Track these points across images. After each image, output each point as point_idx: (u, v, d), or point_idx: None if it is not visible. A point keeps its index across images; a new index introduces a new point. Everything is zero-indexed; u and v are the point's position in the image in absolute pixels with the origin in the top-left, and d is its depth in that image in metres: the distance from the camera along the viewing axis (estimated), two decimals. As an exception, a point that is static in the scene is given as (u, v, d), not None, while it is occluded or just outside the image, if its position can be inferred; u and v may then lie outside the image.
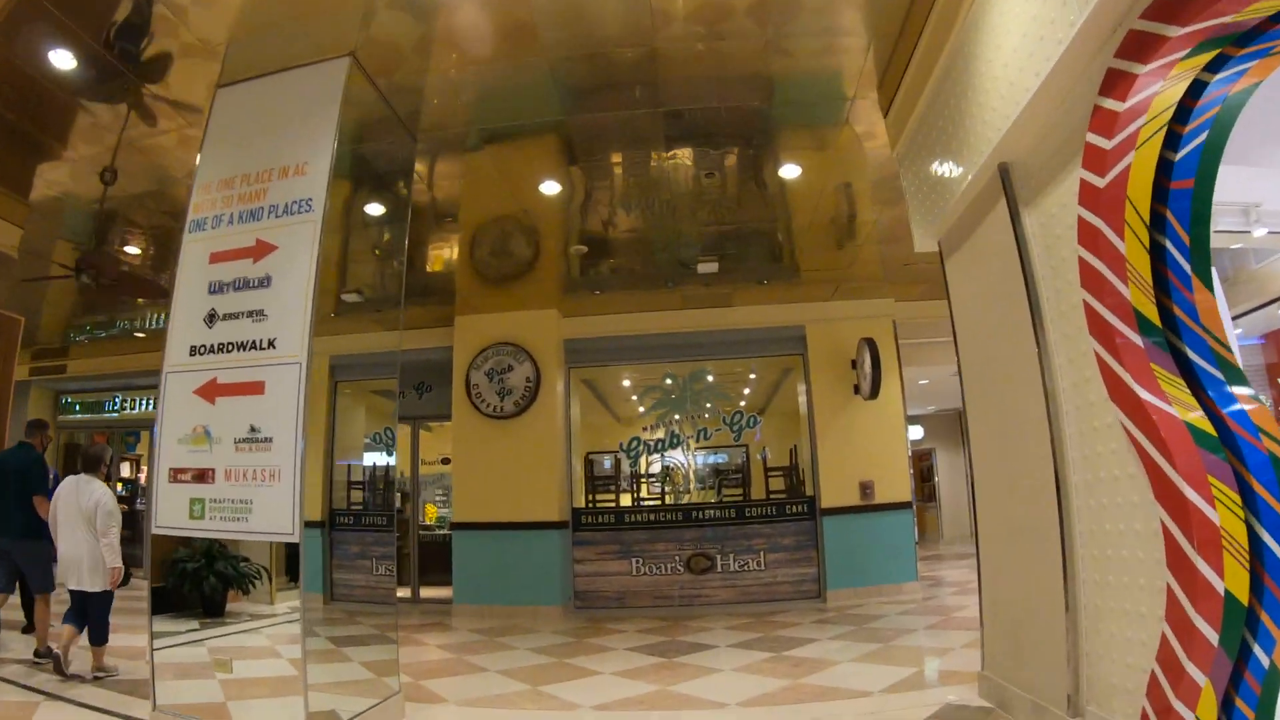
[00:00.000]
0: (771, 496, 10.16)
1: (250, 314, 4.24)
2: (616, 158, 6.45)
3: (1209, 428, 2.76)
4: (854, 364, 9.63)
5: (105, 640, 5.76)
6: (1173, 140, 2.98)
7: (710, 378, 11.19)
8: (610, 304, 10.00)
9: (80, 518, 5.74)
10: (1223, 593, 2.60)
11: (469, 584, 9.33)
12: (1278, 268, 6.94)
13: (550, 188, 6.78)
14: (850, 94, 5.43)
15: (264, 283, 4.25)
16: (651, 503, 10.57)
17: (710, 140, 6.20)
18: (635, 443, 10.86)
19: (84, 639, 5.77)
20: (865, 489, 9.36)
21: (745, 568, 9.37)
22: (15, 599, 6.74)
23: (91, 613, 5.75)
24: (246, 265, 4.35)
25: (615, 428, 11.90)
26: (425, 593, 10.51)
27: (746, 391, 12.07)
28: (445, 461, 11.88)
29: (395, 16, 4.78)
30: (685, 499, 11.06)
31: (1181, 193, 3.02)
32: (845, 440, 9.58)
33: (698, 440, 10.90)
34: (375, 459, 11.24)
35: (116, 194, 6.48)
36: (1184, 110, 2.95)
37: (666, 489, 11.13)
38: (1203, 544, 2.62)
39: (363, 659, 6.17)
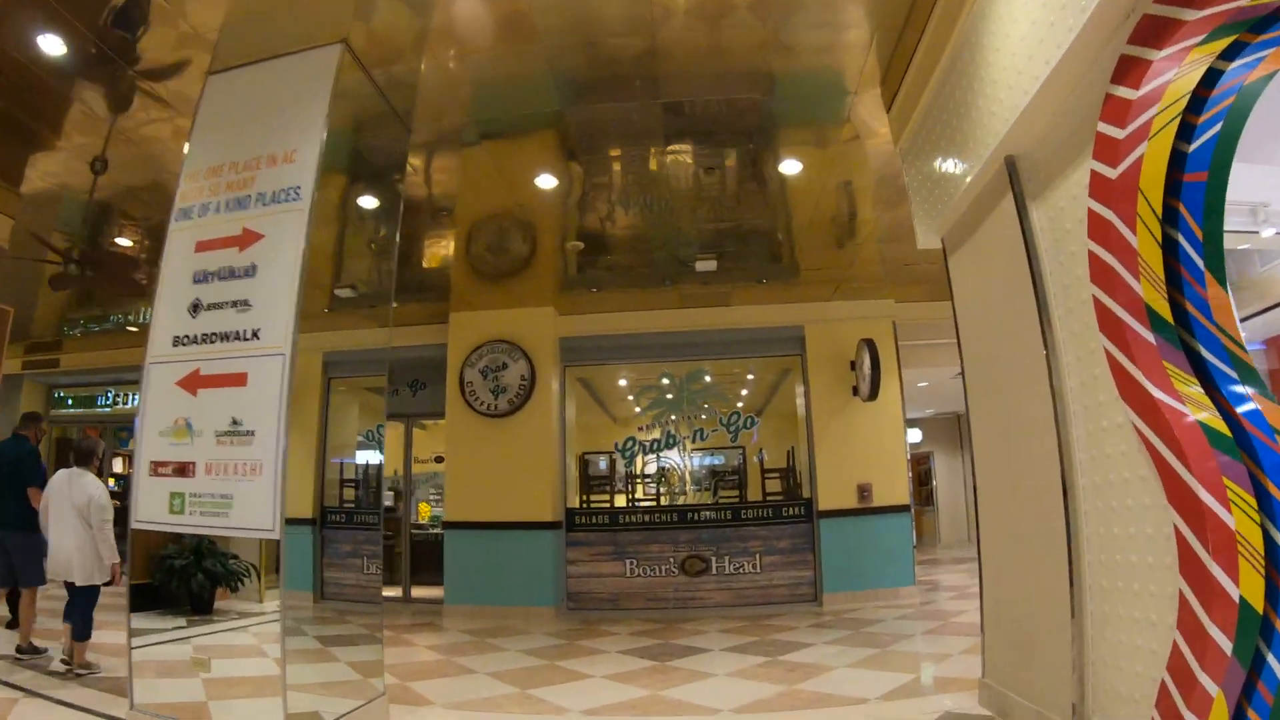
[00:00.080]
0: (768, 498, 10.08)
1: (235, 304, 4.13)
2: (615, 152, 6.35)
3: (1223, 428, 2.66)
4: (853, 365, 9.53)
5: (87, 636, 5.68)
6: (1186, 131, 2.88)
7: (707, 378, 11.08)
8: (607, 302, 9.89)
9: (72, 511, 5.69)
10: (1237, 600, 2.49)
11: (461, 584, 9.23)
12: (1282, 271, 6.83)
13: (547, 181, 6.68)
14: (852, 89, 5.33)
15: (249, 272, 4.15)
16: (646, 504, 10.47)
17: (710, 135, 6.11)
18: (631, 443, 10.75)
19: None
20: (863, 492, 9.26)
21: (741, 570, 9.26)
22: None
23: (75, 607, 5.67)
24: (232, 254, 4.24)
25: (611, 427, 11.79)
26: (417, 592, 10.41)
27: (744, 392, 11.95)
28: (439, 460, 11.77)
29: (390, 4, 4.69)
30: (681, 500, 10.94)
31: (1194, 186, 2.91)
32: (843, 442, 9.47)
33: (694, 441, 10.80)
34: (369, 457, 11.13)
35: (108, 185, 6.39)
36: (1198, 100, 2.85)
37: (662, 490, 11.01)
38: (1218, 549, 2.51)
39: (350, 659, 6.06)
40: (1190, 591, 2.62)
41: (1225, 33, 2.73)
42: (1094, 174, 3.05)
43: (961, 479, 18.49)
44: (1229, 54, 2.76)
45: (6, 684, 5.22)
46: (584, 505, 10.11)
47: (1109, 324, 2.97)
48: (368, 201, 5.84)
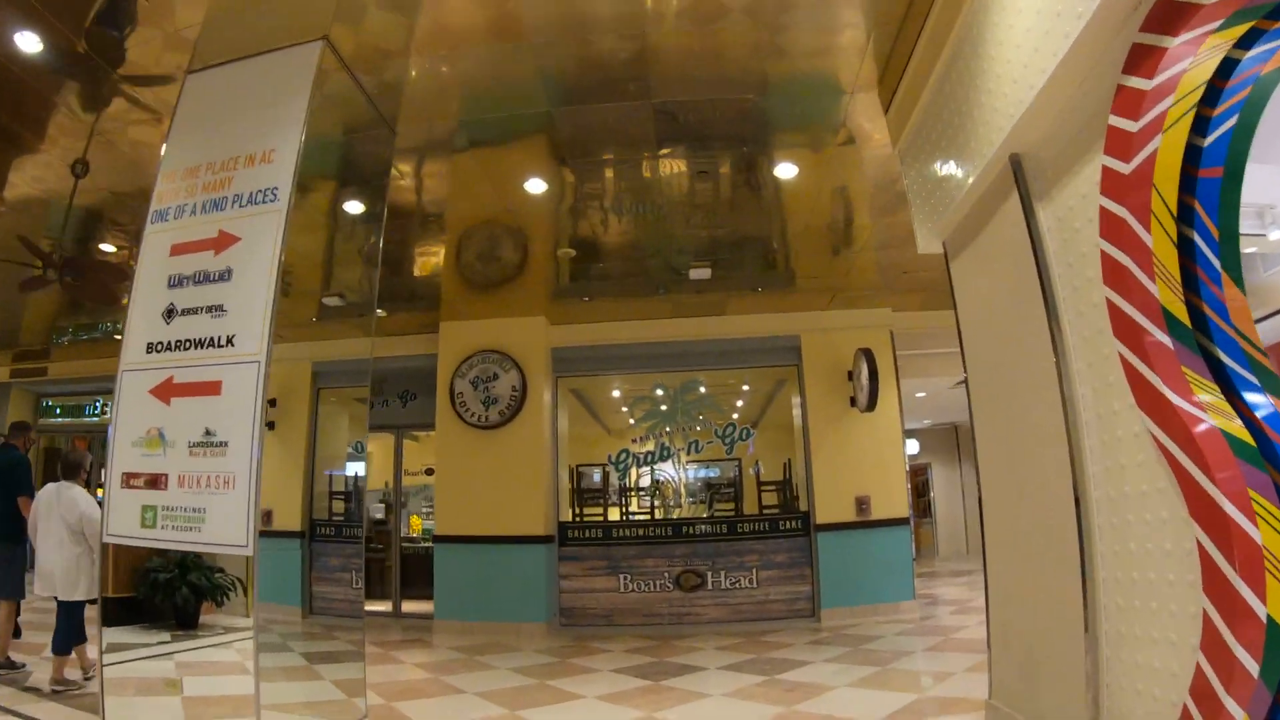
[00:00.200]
0: (764, 512, 9.93)
1: (209, 309, 3.98)
2: (606, 156, 6.20)
3: (1247, 437, 2.51)
4: (850, 375, 9.38)
5: (68, 651, 5.59)
6: (1201, 125, 2.73)
7: (702, 389, 10.92)
8: (599, 312, 9.74)
9: (61, 525, 5.65)
10: (1265, 619, 2.33)
11: (451, 599, 9.04)
12: (1286, 276, 6.70)
13: (536, 186, 6.53)
14: (849, 89, 5.20)
15: (224, 276, 3.99)
16: (641, 517, 10.31)
17: (702, 139, 5.97)
18: (624, 455, 10.58)
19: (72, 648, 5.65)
20: (861, 504, 9.09)
21: (737, 585, 9.09)
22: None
23: (59, 621, 5.58)
24: (208, 258, 4.09)
25: (604, 439, 11.63)
26: (408, 607, 10.22)
27: (739, 403, 11.82)
28: (429, 472, 11.60)
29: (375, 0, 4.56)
30: (675, 514, 10.80)
31: (1210, 182, 2.77)
32: (841, 454, 9.31)
33: (689, 453, 10.64)
34: (359, 468, 10.97)
35: (90, 189, 6.25)
36: (1213, 91, 2.70)
37: (656, 503, 10.86)
38: (1244, 565, 2.36)
39: (335, 677, 5.91)
40: (1214, 610, 2.47)
41: (1242, 18, 2.60)
42: (1106, 170, 2.91)
43: (960, 490, 18.38)
44: (1245, 42, 2.62)
45: (-24, 701, 5.06)
46: (577, 519, 9.94)
47: (1124, 328, 2.82)
48: (352, 206, 5.69)
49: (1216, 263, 2.76)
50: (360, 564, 8.97)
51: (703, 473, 11.24)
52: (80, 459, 6.09)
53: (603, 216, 7.31)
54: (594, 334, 9.96)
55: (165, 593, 6.37)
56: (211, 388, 3.84)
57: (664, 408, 10.85)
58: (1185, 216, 2.78)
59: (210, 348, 3.91)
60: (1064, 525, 3.32)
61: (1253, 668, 2.36)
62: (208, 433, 3.78)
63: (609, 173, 6.53)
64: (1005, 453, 4.17)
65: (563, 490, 9.89)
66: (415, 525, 12.26)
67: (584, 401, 11.53)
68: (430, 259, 8.42)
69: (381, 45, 4.75)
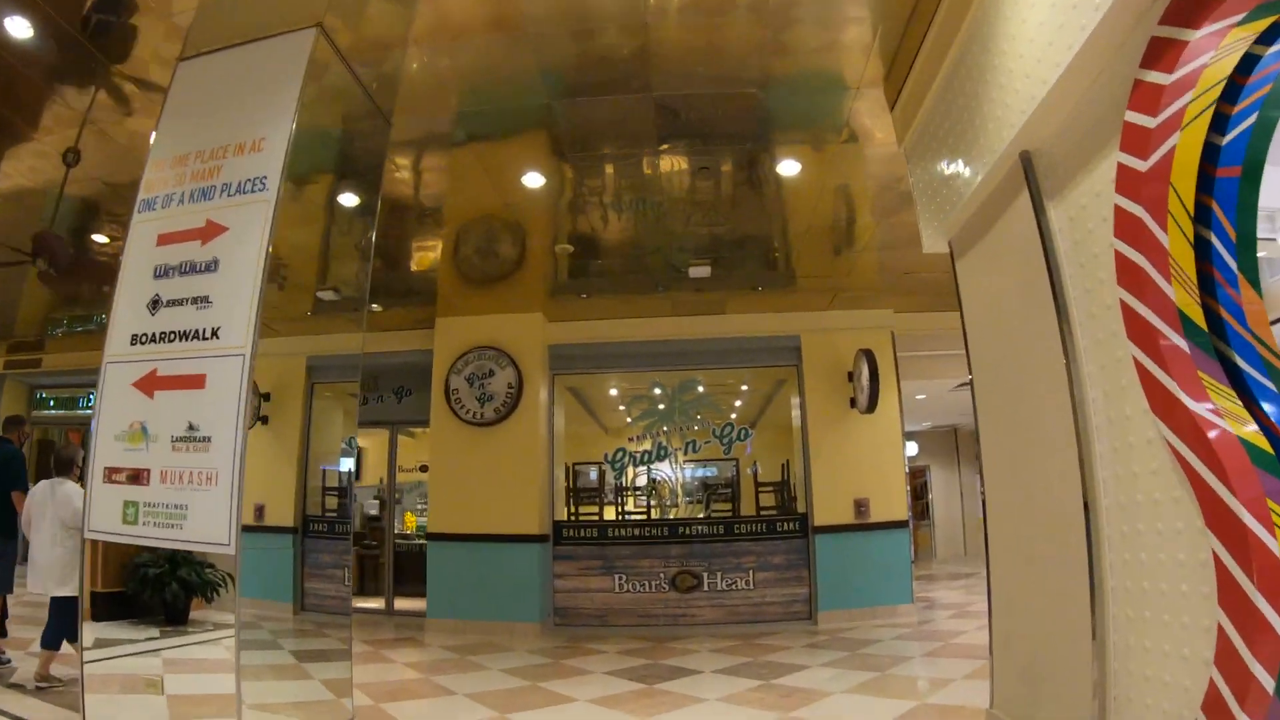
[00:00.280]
0: (762, 513, 9.84)
1: (194, 300, 3.87)
2: (606, 150, 6.10)
3: (1265, 445, 2.41)
4: (850, 376, 9.29)
5: (57, 647, 5.53)
6: (1220, 122, 2.64)
7: (700, 388, 10.82)
8: (597, 309, 9.65)
9: (54, 521, 5.64)
10: (1283, 635, 2.24)
11: (444, 598, 8.96)
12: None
13: (535, 181, 6.43)
14: (854, 85, 5.11)
15: (210, 266, 3.88)
16: (637, 517, 10.21)
17: (703, 135, 5.87)
18: (621, 454, 10.48)
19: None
20: (860, 507, 9.00)
21: (733, 587, 8.99)
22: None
23: (51, 616, 5.54)
24: (194, 248, 3.98)
25: (600, 438, 11.54)
26: (400, 604, 10.13)
27: (738, 403, 11.74)
28: (424, 469, 11.51)
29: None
30: (672, 514, 10.70)
31: (1228, 181, 2.67)
32: (840, 455, 9.22)
33: (686, 453, 10.53)
34: (350, 464, 10.87)
35: (82, 178, 6.15)
36: (1233, 88, 2.61)
37: (653, 503, 10.76)
38: (1262, 578, 2.26)
39: (324, 676, 5.81)
40: (1230, 624, 2.37)
41: (1265, 12, 2.50)
42: (1121, 167, 2.81)
43: (959, 493, 18.32)
44: (1267, 37, 2.53)
45: (-43, 696, 4.98)
46: (572, 518, 9.84)
47: (1138, 330, 2.72)
48: (345, 198, 5.58)
49: (1234, 265, 2.66)
50: (347, 560, 8.87)
51: (700, 473, 11.16)
52: (73, 454, 6.04)
53: (602, 212, 7.22)
54: (592, 331, 9.86)
55: (155, 588, 6.29)
56: (195, 381, 3.73)
57: (661, 407, 10.75)
58: (1202, 217, 2.68)
59: (194, 340, 3.80)
60: (1072, 533, 3.22)
61: (1269, 684, 2.27)
62: (191, 427, 3.68)
63: (609, 168, 6.43)
64: (1011, 457, 4.07)
65: (558, 489, 9.80)
66: (410, 522, 12.16)
67: (581, 399, 11.43)
68: (427, 254, 8.33)
69: (377, 33, 4.67)
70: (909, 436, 16.45)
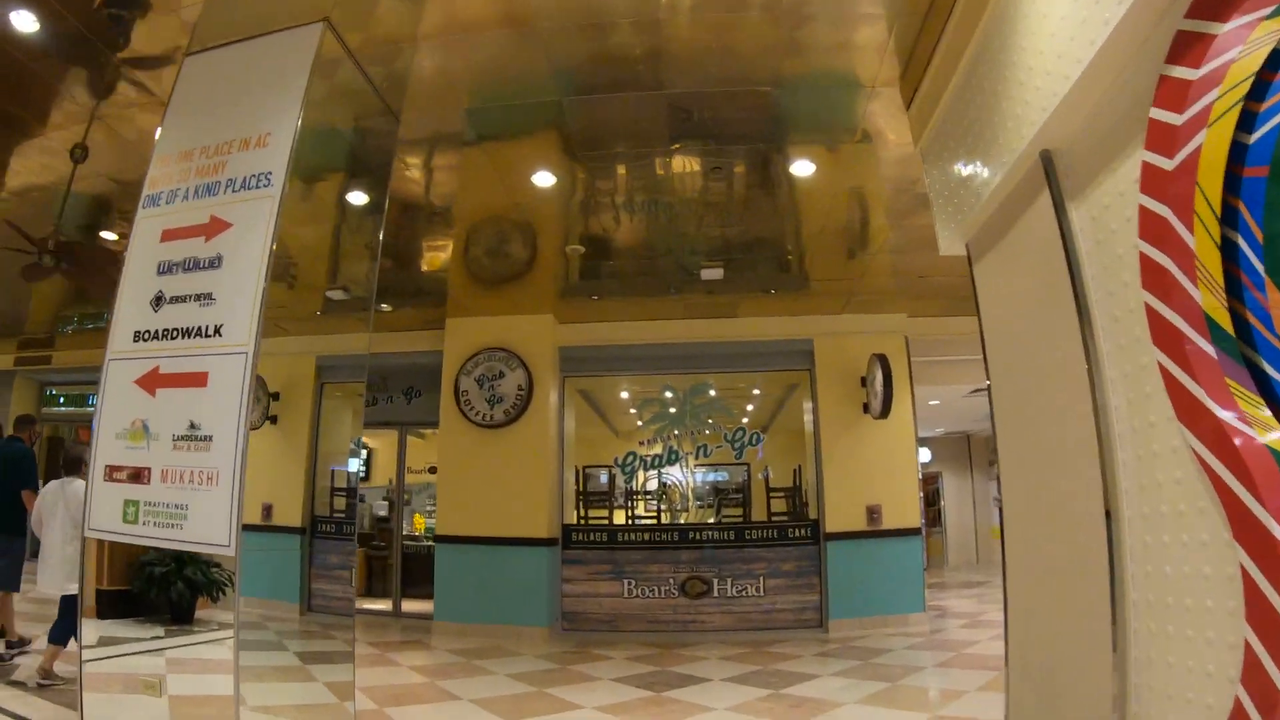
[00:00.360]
0: (773, 518, 9.76)
1: (197, 297, 3.81)
2: (618, 149, 6.03)
3: (1295, 456, 2.32)
4: (864, 381, 9.19)
5: (64, 644, 5.53)
6: (1247, 120, 2.54)
7: (712, 392, 10.73)
8: (609, 311, 9.58)
9: (67, 520, 5.70)
10: (1314, 654, 2.15)
11: (451, 600, 8.90)
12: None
13: (545, 179, 6.37)
14: (869, 84, 5.02)
15: (214, 263, 3.83)
16: (647, 521, 10.15)
17: (716, 135, 5.80)
18: (631, 458, 10.41)
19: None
20: (872, 513, 8.90)
21: (743, 593, 8.91)
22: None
23: (61, 614, 5.59)
24: (198, 244, 3.92)
25: (611, 441, 11.48)
26: (408, 606, 10.09)
27: (750, 407, 11.65)
28: (433, 470, 11.48)
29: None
30: (682, 518, 10.62)
31: (1255, 181, 2.57)
32: (852, 461, 9.13)
33: (697, 457, 10.45)
34: (357, 464, 10.86)
35: (90, 175, 6.13)
36: (1261, 85, 2.51)
37: (663, 507, 10.69)
38: (1293, 594, 2.17)
39: (327, 679, 5.76)
40: (1258, 641, 2.27)
41: (1295, 6, 2.41)
42: (1146, 166, 2.72)
43: (971, 500, 18.17)
44: (1296, 33, 2.44)
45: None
46: (581, 522, 9.77)
47: (1163, 335, 2.63)
48: (353, 196, 5.54)
49: (1261, 268, 2.57)
50: (351, 561, 8.83)
51: (711, 477, 11.08)
52: (82, 453, 6.05)
53: (613, 213, 7.15)
54: (603, 333, 9.80)
55: (160, 587, 6.27)
56: (197, 379, 3.67)
57: (673, 410, 10.67)
58: (1229, 218, 2.59)
59: (197, 337, 3.74)
60: (1092, 544, 3.12)
61: (1299, 705, 2.17)
62: (192, 426, 3.62)
63: (620, 168, 6.37)
64: (1030, 465, 3.97)
65: (568, 492, 9.74)
66: (419, 524, 12.13)
67: (591, 402, 11.37)
68: (437, 254, 8.28)
69: (386, 29, 4.60)
70: (921, 443, 16.35)
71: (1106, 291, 3.07)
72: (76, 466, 5.96)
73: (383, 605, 10.26)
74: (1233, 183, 2.56)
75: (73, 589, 5.51)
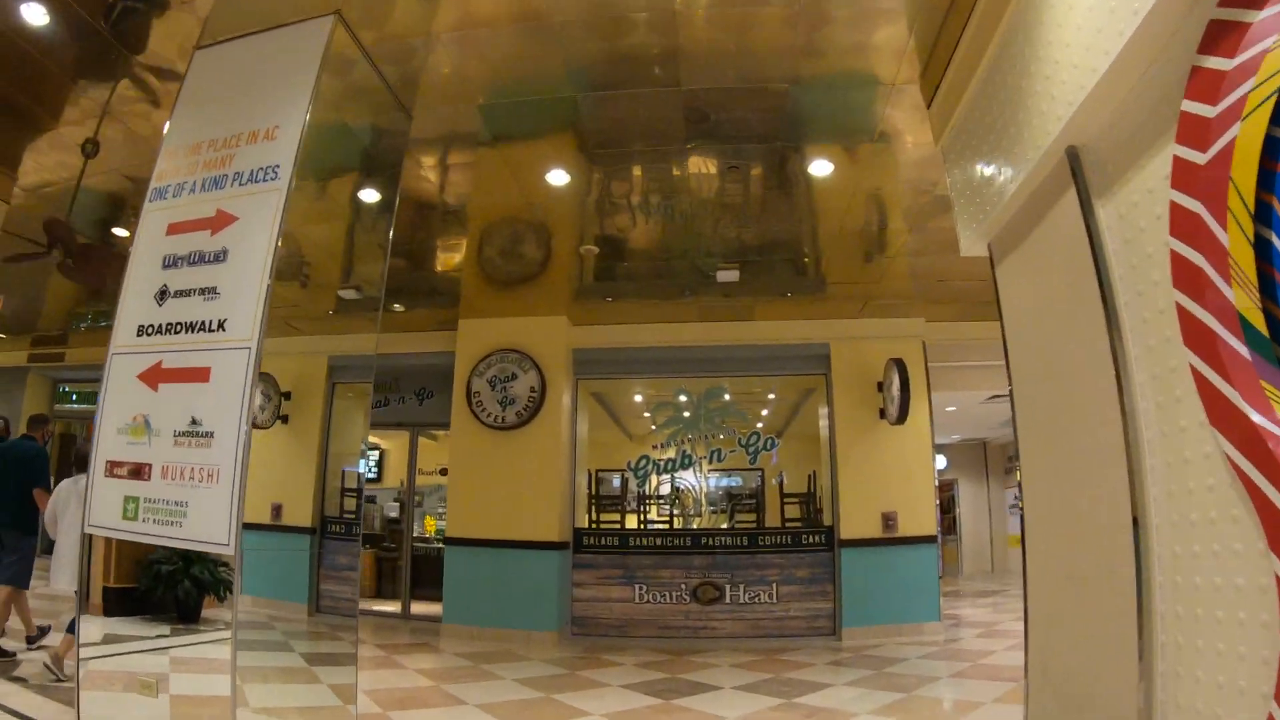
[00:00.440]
0: (787, 525, 9.65)
1: (202, 291, 3.75)
2: (632, 147, 5.95)
3: (1334, 463, 2.21)
4: (880, 386, 9.07)
5: None
6: (1280, 115, 2.44)
7: (727, 396, 10.64)
8: (623, 313, 9.50)
9: (80, 517, 5.62)
10: (1353, 671, 2.04)
11: (460, 603, 8.84)
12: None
13: (559, 178, 6.30)
14: (889, 82, 4.93)
15: (219, 257, 3.77)
16: (659, 526, 10.07)
17: (733, 136, 5.71)
18: (644, 461, 10.32)
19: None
20: (888, 520, 8.77)
21: (756, 600, 8.80)
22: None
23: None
24: (204, 238, 3.87)
25: (623, 444, 11.39)
26: (417, 608, 10.04)
27: (764, 412, 11.54)
28: (444, 472, 11.43)
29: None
30: (695, 524, 10.52)
31: (1289, 177, 2.48)
32: (868, 467, 9.01)
33: (710, 462, 10.36)
34: (364, 465, 10.83)
35: (101, 170, 6.11)
36: (1296, 77, 2.41)
37: (675, 512, 10.59)
38: (1333, 609, 2.06)
39: (332, 680, 5.70)
40: (1294, 658, 2.17)
41: (1334, -7, 2.31)
42: (1178, 160, 2.61)
43: (987, 508, 17.98)
44: (1336, 22, 2.33)
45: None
46: (593, 525, 9.70)
47: (1196, 336, 2.52)
48: (364, 194, 5.48)
49: (1296, 267, 2.47)
50: (355, 562, 8.79)
51: (724, 482, 10.99)
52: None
53: (628, 214, 7.07)
54: (616, 336, 9.72)
55: (168, 585, 6.25)
56: (200, 374, 3.61)
57: (687, 414, 10.58)
58: (1262, 214, 2.48)
59: (201, 332, 3.69)
60: (1118, 552, 3.01)
61: (1337, 725, 2.06)
62: (194, 422, 3.56)
63: (635, 168, 6.29)
64: (1053, 471, 3.86)
65: (580, 495, 9.66)
66: (430, 525, 12.07)
67: (604, 405, 11.29)
68: (450, 254, 8.23)
69: (398, 24, 4.55)
70: (937, 449, 16.21)
71: (1135, 291, 2.96)
72: (87, 464, 5.91)
73: (392, 607, 10.21)
74: (1266, 178, 2.45)
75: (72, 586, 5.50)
